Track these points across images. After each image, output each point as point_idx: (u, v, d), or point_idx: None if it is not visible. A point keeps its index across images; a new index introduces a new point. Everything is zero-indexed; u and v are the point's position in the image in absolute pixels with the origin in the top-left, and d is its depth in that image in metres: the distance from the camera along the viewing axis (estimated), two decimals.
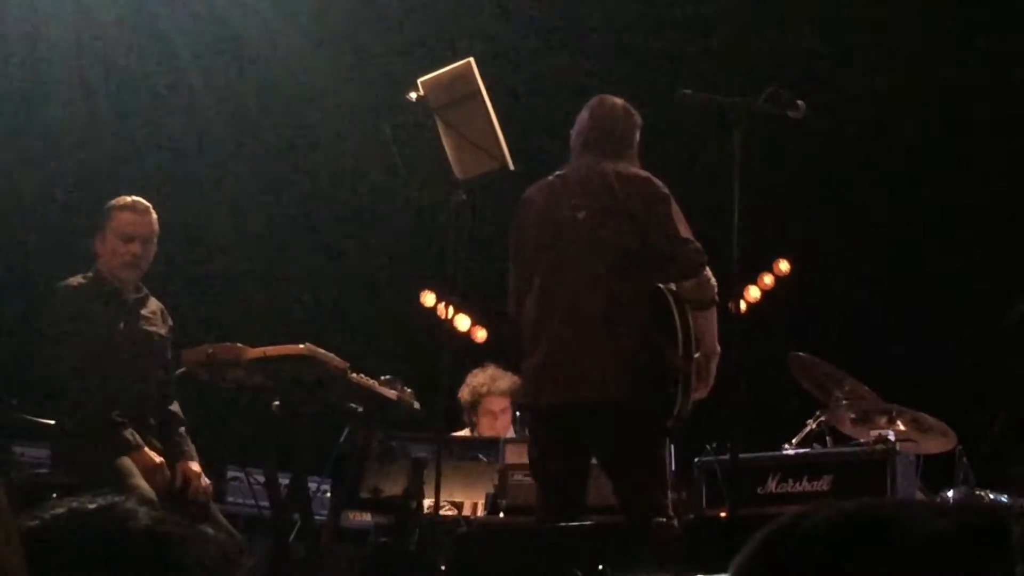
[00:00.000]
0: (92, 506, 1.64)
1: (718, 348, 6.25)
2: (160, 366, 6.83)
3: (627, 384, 5.93)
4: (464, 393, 8.55)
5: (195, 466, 6.73)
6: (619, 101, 6.50)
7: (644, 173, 6.26)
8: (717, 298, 6.19)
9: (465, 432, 8.55)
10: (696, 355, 6.14)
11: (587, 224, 6.15)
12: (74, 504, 1.64)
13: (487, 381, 8.53)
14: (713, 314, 6.23)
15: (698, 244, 6.12)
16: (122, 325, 6.72)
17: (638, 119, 6.49)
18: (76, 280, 6.73)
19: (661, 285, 6.09)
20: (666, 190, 6.17)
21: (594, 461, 6.28)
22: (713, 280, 6.17)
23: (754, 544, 1.37)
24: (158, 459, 6.53)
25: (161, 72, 10.48)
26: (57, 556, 1.53)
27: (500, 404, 8.47)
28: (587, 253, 6.12)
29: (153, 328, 6.85)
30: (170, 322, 6.99)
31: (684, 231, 6.13)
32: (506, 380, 8.46)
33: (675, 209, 6.15)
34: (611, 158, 6.30)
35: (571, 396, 6.00)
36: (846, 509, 1.35)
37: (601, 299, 6.03)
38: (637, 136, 6.47)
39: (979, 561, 1.28)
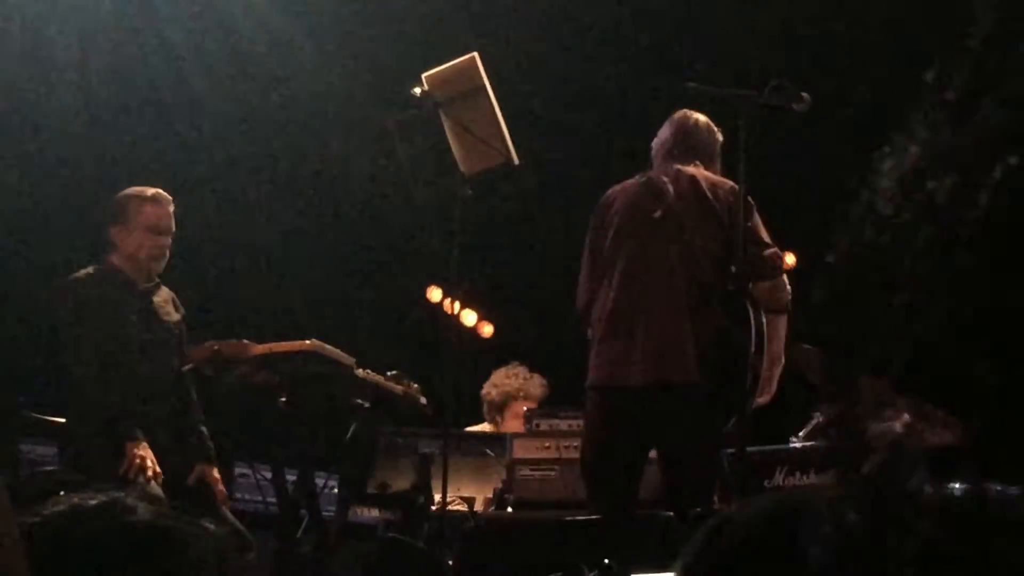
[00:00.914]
0: (93, 502, 1.64)
1: (783, 358, 6.33)
2: (175, 355, 6.77)
3: (705, 371, 6.04)
4: (493, 393, 8.56)
5: (214, 471, 6.68)
6: (702, 117, 6.61)
7: (729, 181, 6.36)
8: (790, 306, 6.29)
9: (482, 427, 8.55)
10: (765, 360, 6.27)
11: (673, 221, 6.26)
12: (75, 501, 1.64)
13: (521, 386, 8.56)
14: (783, 321, 6.36)
15: (778, 250, 6.28)
16: (135, 316, 6.65)
17: (719, 135, 6.59)
18: (85, 273, 6.64)
19: (738, 287, 6.17)
20: (751, 200, 6.24)
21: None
22: (788, 287, 6.27)
23: (695, 544, 1.40)
24: (143, 454, 6.38)
25: (164, 71, 10.47)
26: (59, 552, 1.53)
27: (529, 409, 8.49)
28: (671, 249, 6.23)
29: (167, 318, 6.79)
30: (182, 310, 6.94)
31: (765, 236, 6.28)
32: (538, 386, 8.50)
33: (758, 216, 6.28)
34: (696, 164, 6.43)
35: (651, 378, 6.07)
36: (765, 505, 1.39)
37: (683, 294, 6.15)
38: (719, 151, 6.57)
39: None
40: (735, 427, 6.14)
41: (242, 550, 6.50)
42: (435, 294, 11.92)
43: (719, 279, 6.18)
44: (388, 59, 9.99)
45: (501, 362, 8.91)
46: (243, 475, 8.38)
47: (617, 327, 6.24)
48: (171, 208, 6.75)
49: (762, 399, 6.32)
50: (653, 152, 6.58)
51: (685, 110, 6.63)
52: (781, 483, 6.99)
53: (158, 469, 6.35)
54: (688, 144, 6.50)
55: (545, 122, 9.79)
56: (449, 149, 6.66)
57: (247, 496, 8.35)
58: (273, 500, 6.96)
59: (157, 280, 6.84)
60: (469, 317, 11.99)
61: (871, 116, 10.63)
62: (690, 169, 6.38)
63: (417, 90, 6.58)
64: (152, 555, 1.63)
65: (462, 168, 6.63)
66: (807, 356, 7.53)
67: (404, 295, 11.75)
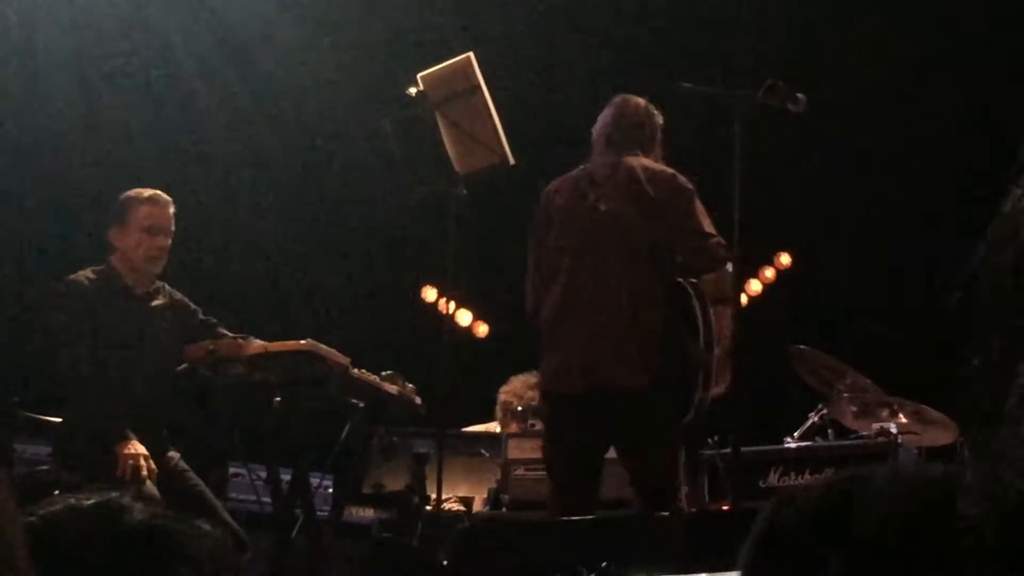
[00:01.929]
0: (88, 502, 1.64)
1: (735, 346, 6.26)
2: (171, 361, 6.77)
3: (651, 373, 5.96)
4: (511, 397, 8.51)
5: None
6: (641, 100, 6.52)
7: (669, 169, 6.30)
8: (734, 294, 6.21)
9: (488, 427, 8.53)
10: (716, 351, 6.17)
11: (612, 217, 6.18)
12: (71, 501, 1.64)
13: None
14: (730, 311, 6.23)
15: (721, 239, 6.14)
16: (132, 321, 6.66)
17: (660, 119, 6.52)
18: (84, 274, 6.63)
19: (682, 279, 6.10)
20: (690, 185, 6.20)
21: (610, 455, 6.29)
22: (735, 275, 6.18)
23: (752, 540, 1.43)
24: (138, 451, 6.39)
25: (159, 70, 10.47)
26: (54, 552, 1.53)
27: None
28: (612, 246, 6.15)
29: (163, 324, 6.79)
30: (191, 306, 6.92)
31: (708, 225, 6.17)
32: None
33: (699, 204, 6.19)
34: (635, 154, 6.33)
35: (595, 384, 6.01)
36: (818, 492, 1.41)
37: (626, 291, 6.06)
38: (660, 135, 6.50)
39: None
40: (692, 423, 6.12)
41: (238, 549, 6.50)
42: (430, 294, 11.92)
43: (663, 273, 6.12)
44: (383, 59, 9.99)
45: (497, 362, 8.90)
46: (238, 475, 8.37)
47: (560, 332, 6.17)
48: (170, 209, 6.74)
49: (717, 390, 6.19)
50: (593, 138, 6.48)
51: (625, 94, 6.54)
52: (776, 483, 6.99)
53: (152, 466, 6.34)
54: (626, 130, 6.39)
55: (540, 121, 9.78)
56: (444, 149, 6.65)
57: (242, 496, 8.33)
58: (268, 500, 6.96)
59: (158, 284, 6.83)
60: (464, 317, 11.99)
61: (867, 117, 10.65)
62: (628, 160, 6.28)
63: (412, 90, 6.58)
64: (147, 555, 1.62)
65: (457, 168, 6.63)
66: (802, 357, 7.54)
67: (399, 295, 11.74)
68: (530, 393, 8.55)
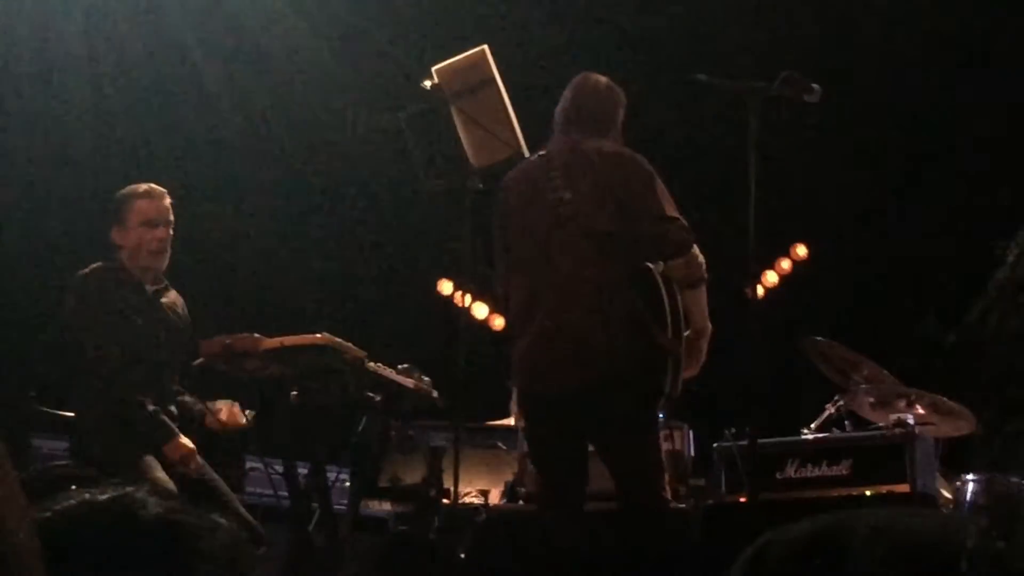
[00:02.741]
0: (103, 497, 1.64)
1: (709, 326, 6.13)
2: (180, 358, 6.80)
3: (618, 367, 5.81)
4: None
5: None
6: (603, 78, 6.39)
7: (628, 151, 6.14)
8: (706, 275, 6.10)
9: (507, 421, 8.55)
10: (686, 334, 6.07)
11: (571, 205, 6.01)
12: (85, 496, 1.64)
13: None
14: (703, 292, 6.09)
15: (684, 222, 5.99)
16: (143, 315, 6.69)
17: (622, 97, 6.36)
18: (96, 267, 6.66)
19: (649, 265, 6.00)
20: (650, 167, 6.04)
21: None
22: (701, 258, 6.03)
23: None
24: (191, 445, 6.50)
25: (172, 66, 10.48)
26: (68, 548, 1.53)
27: None
28: (572, 235, 5.98)
29: (174, 319, 6.81)
30: (186, 312, 6.98)
31: (670, 209, 5.99)
32: None
33: (660, 187, 6.01)
34: (594, 136, 6.17)
35: (563, 381, 5.89)
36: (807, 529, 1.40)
37: (588, 281, 5.90)
38: (621, 114, 6.34)
39: None
40: (666, 411, 6.07)
41: (253, 543, 6.51)
42: (446, 287, 11.93)
43: (625, 260, 5.96)
44: (398, 52, 9.99)
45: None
46: (254, 469, 8.39)
47: (526, 328, 6.04)
48: (166, 201, 6.74)
49: (689, 373, 6.08)
50: (555, 118, 6.35)
51: (587, 72, 6.44)
52: (793, 475, 6.98)
53: (199, 460, 6.48)
54: (587, 109, 6.26)
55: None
56: (459, 142, 6.65)
57: (259, 490, 8.35)
58: (285, 494, 6.96)
59: (166, 283, 6.86)
60: (480, 310, 12.00)
61: (883, 108, 10.63)
62: (586, 144, 6.12)
63: (427, 83, 6.58)
64: (163, 550, 1.62)
65: (472, 161, 6.62)
66: (819, 348, 7.53)
67: (415, 288, 11.75)
68: None
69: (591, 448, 6.15)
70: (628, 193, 5.98)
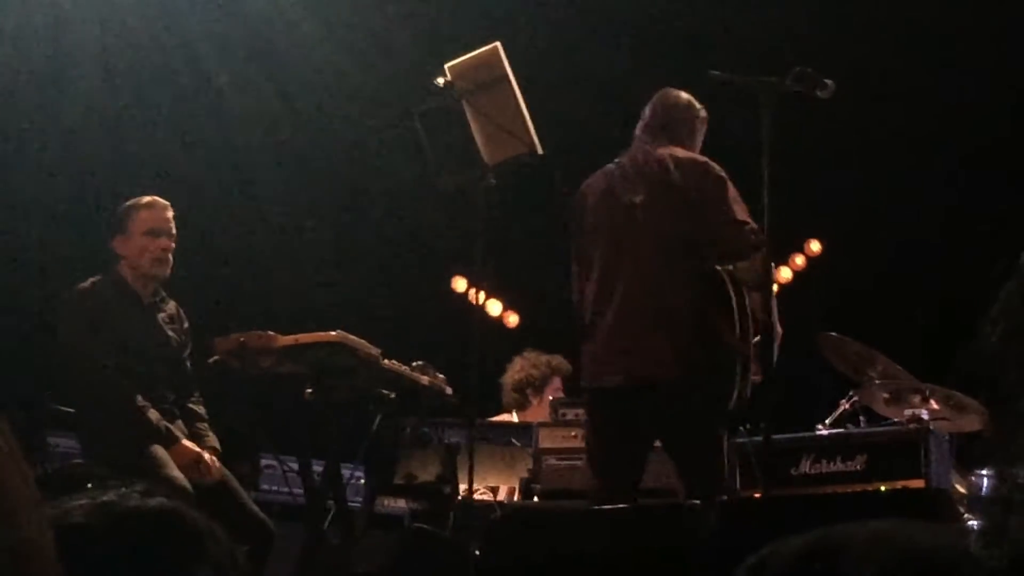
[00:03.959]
0: (106, 497, 1.65)
1: (779, 329, 6.26)
2: (177, 368, 6.86)
3: (686, 365, 5.97)
4: (534, 371, 8.61)
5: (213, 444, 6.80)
6: (683, 94, 6.55)
7: (701, 157, 6.31)
8: (775, 279, 6.22)
9: (505, 417, 8.57)
10: (756, 339, 6.18)
11: (643, 208, 6.20)
12: (86, 496, 1.65)
13: (557, 360, 8.63)
14: (771, 295, 6.23)
15: (754, 225, 6.12)
16: (140, 326, 6.75)
17: (702, 112, 6.54)
18: (91, 282, 6.77)
19: (718, 267, 6.10)
20: (722, 172, 6.19)
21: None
22: (770, 261, 6.21)
23: None
24: (197, 449, 6.57)
25: (184, 64, 10.49)
26: (74, 547, 1.53)
27: (561, 384, 8.58)
28: (644, 237, 6.17)
29: (171, 332, 6.88)
30: (186, 324, 7.02)
31: (741, 213, 6.15)
32: (563, 360, 8.58)
33: (732, 192, 6.17)
34: (667, 145, 6.34)
35: (632, 377, 6.04)
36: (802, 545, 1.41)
37: (658, 282, 6.09)
38: (700, 128, 6.53)
39: None
40: (736, 410, 6.12)
41: (264, 540, 6.53)
42: (460, 284, 11.93)
43: (696, 263, 6.12)
44: (411, 49, 9.99)
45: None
46: (269, 466, 8.40)
47: (595, 326, 6.21)
48: (169, 213, 6.82)
49: (759, 377, 6.20)
50: (636, 130, 6.51)
51: (668, 88, 6.57)
52: (808, 470, 6.98)
53: (212, 462, 6.61)
54: (664, 121, 6.43)
55: (568, 110, 9.77)
56: (472, 139, 6.65)
57: (274, 487, 8.36)
58: (300, 491, 6.97)
59: (164, 294, 6.91)
60: (494, 307, 12.00)
61: (897, 103, 10.60)
62: (661, 151, 6.29)
63: (440, 80, 6.58)
64: (169, 549, 1.63)
65: (485, 158, 6.63)
66: (833, 344, 7.52)
67: (429, 285, 11.75)
68: (539, 359, 8.61)
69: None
70: (700, 196, 6.14)
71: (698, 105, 6.53)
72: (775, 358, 6.22)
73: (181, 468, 6.47)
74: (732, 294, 6.10)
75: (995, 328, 1.49)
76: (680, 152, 6.31)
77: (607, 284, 6.21)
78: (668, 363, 5.98)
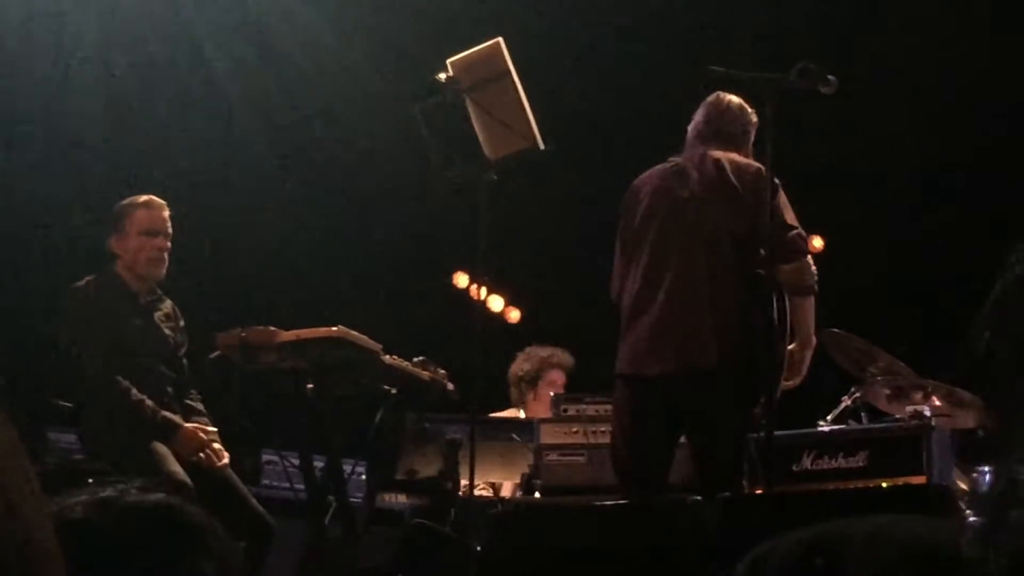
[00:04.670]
0: (105, 493, 1.65)
1: (814, 339, 6.34)
2: (174, 366, 6.87)
3: (723, 356, 6.04)
4: (526, 365, 8.63)
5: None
6: (735, 99, 6.59)
7: (756, 164, 6.34)
8: (816, 287, 6.27)
9: (507, 413, 8.57)
10: (792, 346, 6.28)
11: (696, 205, 6.28)
12: (90, 492, 1.65)
13: (554, 353, 8.66)
14: (811, 303, 6.33)
15: (802, 232, 6.24)
16: (137, 324, 6.76)
17: (753, 117, 6.57)
18: (88, 280, 6.79)
19: (762, 270, 6.14)
20: (776, 180, 6.21)
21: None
22: (814, 268, 6.29)
23: None
24: (200, 434, 6.58)
25: (186, 60, 10.48)
26: (73, 543, 1.53)
27: (562, 378, 8.58)
28: (695, 232, 6.24)
29: (168, 332, 6.88)
30: (182, 323, 7.02)
31: (790, 218, 6.24)
32: (566, 353, 8.59)
33: (783, 197, 6.24)
34: (724, 149, 6.41)
35: (671, 367, 6.10)
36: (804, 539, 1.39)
37: (704, 278, 6.16)
38: (752, 133, 6.57)
39: None
40: (762, 411, 6.13)
41: (264, 536, 6.54)
42: (462, 279, 11.92)
43: (742, 263, 6.19)
44: (412, 45, 9.99)
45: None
46: (271, 462, 8.40)
47: (639, 315, 6.26)
48: (165, 212, 6.84)
49: (791, 383, 6.32)
50: (688, 135, 6.58)
51: (720, 92, 6.61)
52: (809, 467, 6.97)
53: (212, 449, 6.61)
54: (717, 126, 6.50)
55: (570, 106, 9.76)
56: (474, 134, 6.65)
57: (275, 483, 8.36)
58: (301, 487, 6.97)
59: (159, 293, 6.92)
60: (496, 302, 11.99)
61: (900, 99, 10.59)
62: (716, 153, 6.37)
63: (442, 75, 6.58)
64: (169, 544, 1.63)
65: (487, 153, 6.62)
66: (835, 340, 7.51)
67: (431, 281, 11.74)
68: (537, 353, 8.62)
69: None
70: (754, 199, 6.17)
71: (749, 109, 6.57)
72: (805, 367, 6.34)
73: (186, 453, 6.48)
74: (774, 297, 6.15)
75: (988, 324, 1.49)
76: (737, 157, 6.39)
77: (655, 275, 6.27)
78: (705, 353, 6.05)
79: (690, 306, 6.14)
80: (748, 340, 6.08)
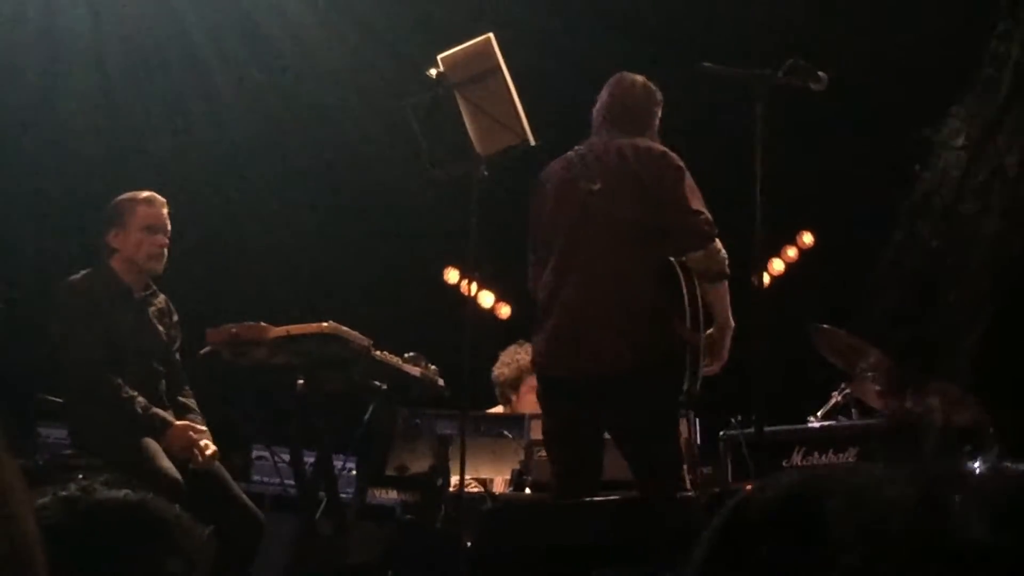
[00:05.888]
0: (66, 492, 1.65)
1: (732, 322, 6.22)
2: (167, 362, 6.86)
3: (636, 356, 5.91)
4: (506, 370, 8.58)
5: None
6: (639, 78, 6.52)
7: (660, 147, 6.27)
8: (728, 270, 6.17)
9: (498, 409, 8.57)
10: (709, 331, 6.15)
11: (601, 197, 6.17)
12: (56, 490, 1.65)
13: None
14: (725, 288, 6.21)
15: (708, 216, 6.10)
16: (131, 320, 6.75)
17: (658, 96, 6.50)
18: (82, 275, 6.78)
19: (671, 258, 6.08)
20: (680, 163, 6.17)
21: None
22: (724, 252, 6.14)
23: (712, 532, 1.39)
24: (190, 432, 6.57)
25: (178, 55, 10.48)
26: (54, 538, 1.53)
27: None
28: (600, 225, 6.13)
29: (161, 327, 6.87)
30: (176, 318, 7.01)
31: (696, 203, 6.12)
32: None
33: (689, 182, 6.14)
34: (629, 134, 6.32)
35: (581, 368, 5.99)
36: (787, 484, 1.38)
37: (611, 271, 6.03)
38: (658, 113, 6.50)
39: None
40: (686, 403, 6.10)
41: (254, 531, 6.54)
42: (452, 275, 11.93)
43: (651, 253, 6.08)
44: (403, 40, 9.98)
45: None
46: (261, 457, 8.40)
47: (548, 315, 6.17)
48: (165, 210, 6.83)
49: (712, 370, 6.20)
50: (593, 117, 6.50)
51: (623, 72, 6.56)
52: (799, 463, 6.98)
53: (202, 448, 6.58)
54: (623, 107, 6.42)
55: (561, 101, 9.76)
56: (465, 130, 6.64)
57: (265, 478, 8.36)
58: (291, 482, 6.97)
59: (154, 288, 6.91)
60: (487, 298, 12.00)
61: (890, 94, 10.60)
62: (620, 141, 6.28)
63: (433, 71, 6.57)
64: (136, 540, 1.63)
65: (478, 149, 6.62)
66: (825, 336, 7.52)
67: (421, 277, 11.75)
68: (518, 357, 8.60)
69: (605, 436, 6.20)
70: (656, 186, 6.11)
71: (653, 87, 6.51)
72: (726, 352, 6.23)
73: (175, 451, 6.48)
74: (684, 285, 6.05)
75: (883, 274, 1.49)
76: (640, 142, 6.28)
77: (562, 271, 6.17)
78: (616, 358, 5.91)
79: (597, 303, 6.02)
80: (661, 333, 5.96)
